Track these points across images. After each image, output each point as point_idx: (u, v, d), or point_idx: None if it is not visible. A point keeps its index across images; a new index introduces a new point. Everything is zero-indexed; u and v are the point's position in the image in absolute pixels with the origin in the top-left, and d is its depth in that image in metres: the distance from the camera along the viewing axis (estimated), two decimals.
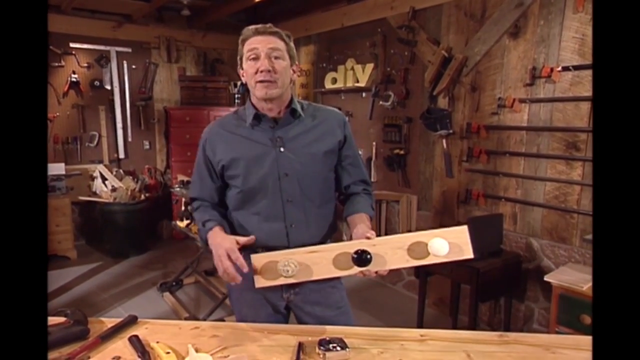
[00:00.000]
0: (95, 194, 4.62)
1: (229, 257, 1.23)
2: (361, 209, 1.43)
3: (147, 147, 5.13)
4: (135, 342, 1.15)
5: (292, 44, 1.39)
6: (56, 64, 4.49)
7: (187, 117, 4.95)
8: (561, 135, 2.61)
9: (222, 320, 2.83)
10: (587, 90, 2.47)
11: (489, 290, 2.58)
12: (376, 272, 1.24)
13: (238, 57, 1.39)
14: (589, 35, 2.44)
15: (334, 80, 4.15)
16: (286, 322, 1.49)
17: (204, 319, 2.91)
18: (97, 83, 4.73)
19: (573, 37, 2.51)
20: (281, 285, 1.34)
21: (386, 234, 3.77)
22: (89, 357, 1.10)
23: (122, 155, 4.96)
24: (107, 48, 4.75)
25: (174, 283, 3.66)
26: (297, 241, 1.36)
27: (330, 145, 1.41)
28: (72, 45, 4.56)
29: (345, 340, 1.15)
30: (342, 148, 1.45)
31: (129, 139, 5.00)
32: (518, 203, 2.86)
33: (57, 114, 4.55)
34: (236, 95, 5.19)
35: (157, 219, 5.06)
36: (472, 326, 2.57)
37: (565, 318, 2.23)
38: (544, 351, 1.16)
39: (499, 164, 2.95)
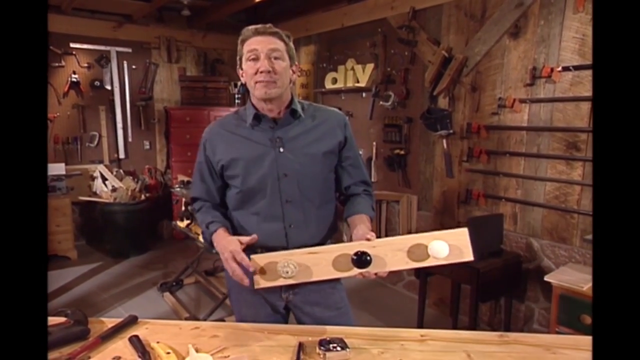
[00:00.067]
0: (95, 194, 4.62)
1: (235, 259, 1.23)
2: (361, 209, 1.43)
3: (148, 147, 5.13)
4: (136, 342, 1.15)
5: (291, 44, 1.39)
6: (56, 64, 4.49)
7: (188, 117, 4.96)
8: (561, 136, 2.61)
9: (222, 320, 2.83)
10: (587, 90, 2.47)
11: (489, 290, 2.58)
12: (376, 274, 1.23)
13: (238, 58, 1.39)
14: (589, 35, 2.44)
15: (334, 81, 4.15)
16: (285, 322, 1.49)
17: (205, 319, 2.92)
18: (97, 83, 4.73)
19: (573, 37, 2.51)
20: (280, 286, 1.34)
21: (386, 234, 3.77)
22: (90, 357, 1.10)
23: (122, 155, 4.96)
24: (108, 48, 4.75)
25: (174, 283, 3.66)
26: (296, 242, 1.36)
27: (330, 146, 1.40)
28: (72, 45, 4.56)
29: (346, 340, 1.15)
30: (343, 149, 1.45)
31: (129, 139, 5.00)
32: (518, 203, 2.86)
33: (58, 114, 4.55)
34: (236, 96, 5.19)
35: (157, 219, 5.06)
36: (473, 326, 2.58)
37: (566, 318, 2.23)
38: (544, 351, 1.16)
39: (499, 164, 2.95)
